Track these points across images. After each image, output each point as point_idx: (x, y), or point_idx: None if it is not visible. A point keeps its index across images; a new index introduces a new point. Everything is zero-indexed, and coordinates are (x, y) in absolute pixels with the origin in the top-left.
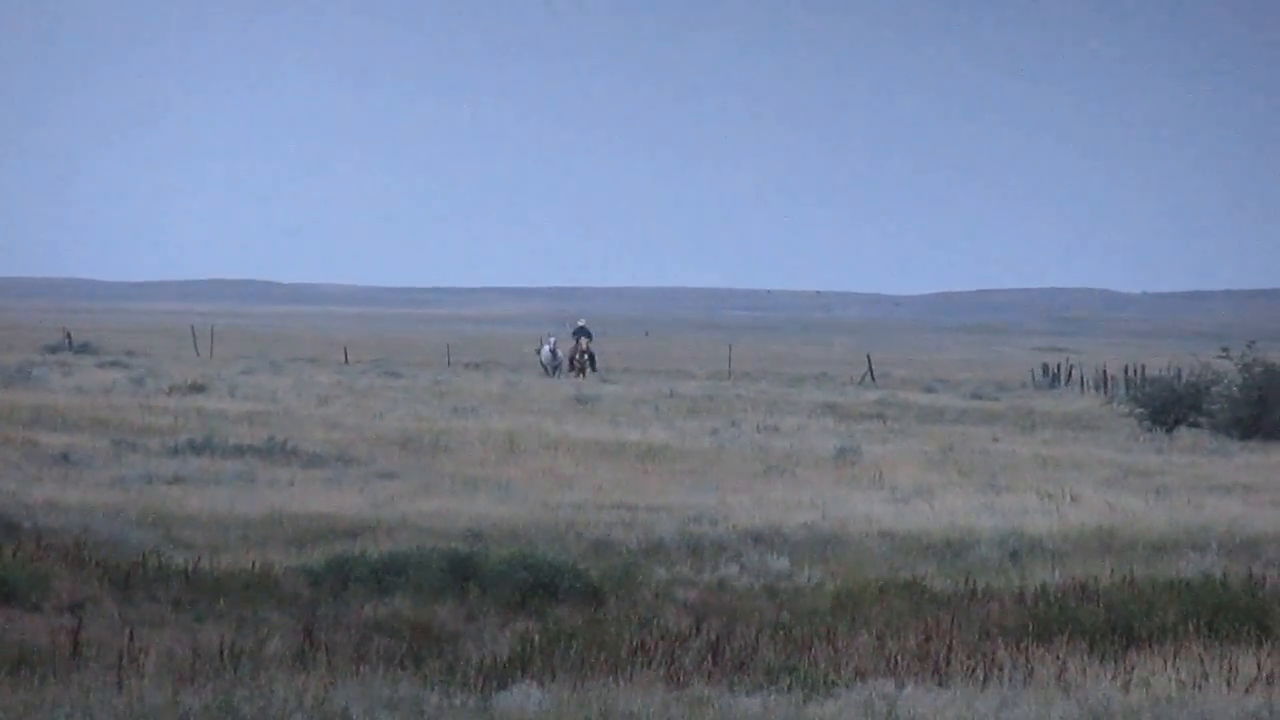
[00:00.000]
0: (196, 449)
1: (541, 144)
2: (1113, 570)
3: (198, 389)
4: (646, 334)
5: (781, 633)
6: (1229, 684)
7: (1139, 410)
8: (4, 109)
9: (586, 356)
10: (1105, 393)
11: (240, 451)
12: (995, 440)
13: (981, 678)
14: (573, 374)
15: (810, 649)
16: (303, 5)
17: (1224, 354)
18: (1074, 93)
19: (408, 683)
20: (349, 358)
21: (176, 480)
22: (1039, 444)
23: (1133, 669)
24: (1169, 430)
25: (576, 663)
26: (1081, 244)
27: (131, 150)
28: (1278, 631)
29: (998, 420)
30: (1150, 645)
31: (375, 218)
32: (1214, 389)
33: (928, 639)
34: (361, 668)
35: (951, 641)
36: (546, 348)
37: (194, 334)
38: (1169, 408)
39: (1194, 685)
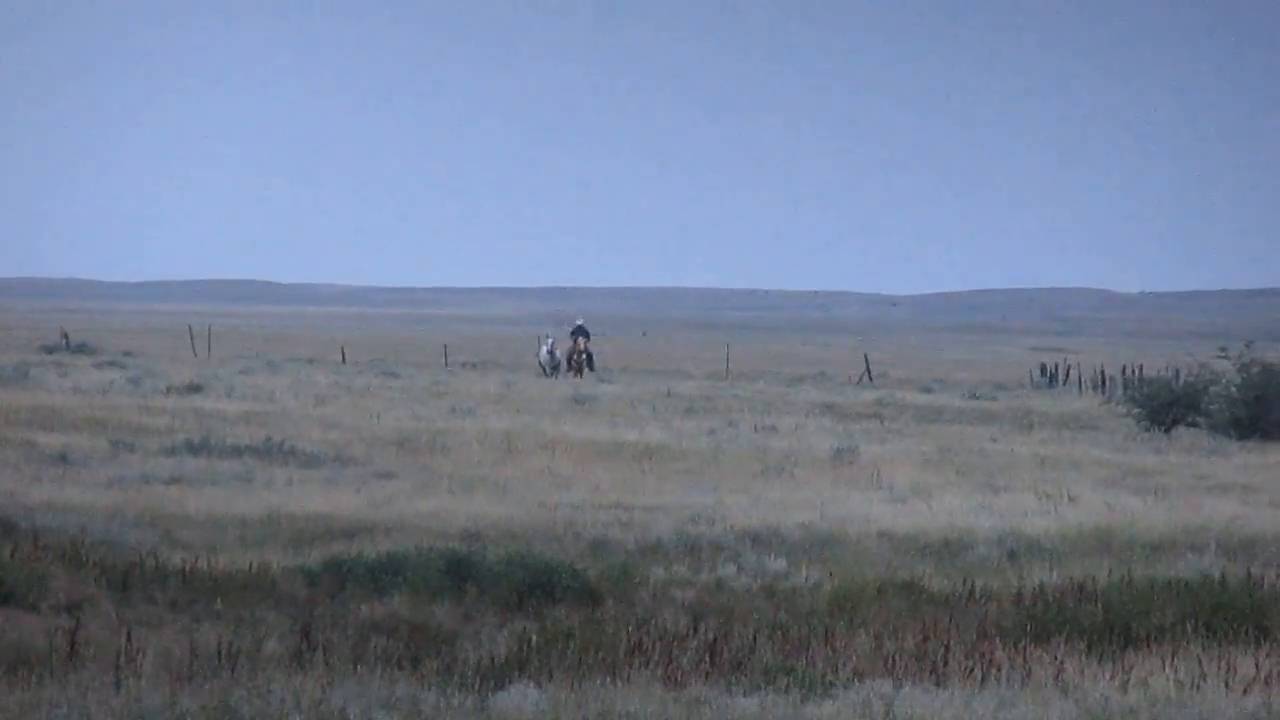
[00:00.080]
0: (194, 449)
1: (540, 144)
2: (1111, 570)
3: (195, 389)
4: (644, 334)
5: (779, 633)
6: (1227, 684)
7: (1137, 410)
8: (3, 109)
9: (584, 356)
10: (1103, 393)
11: (238, 452)
12: (993, 440)
13: (979, 678)
14: (570, 374)
15: (808, 649)
16: (304, 5)
17: (1222, 354)
18: (1072, 93)
19: (405, 683)
20: (346, 358)
21: (174, 480)
22: (1037, 444)
23: (1131, 669)
24: (1167, 430)
25: (574, 663)
26: (1079, 244)
27: (130, 150)
28: (1276, 632)
29: (995, 420)
30: (1148, 645)
31: (373, 218)
32: (1212, 389)
33: (925, 639)
34: (359, 668)
35: (949, 642)
36: (544, 348)
37: (191, 334)
38: (1167, 408)
39: (1192, 685)
